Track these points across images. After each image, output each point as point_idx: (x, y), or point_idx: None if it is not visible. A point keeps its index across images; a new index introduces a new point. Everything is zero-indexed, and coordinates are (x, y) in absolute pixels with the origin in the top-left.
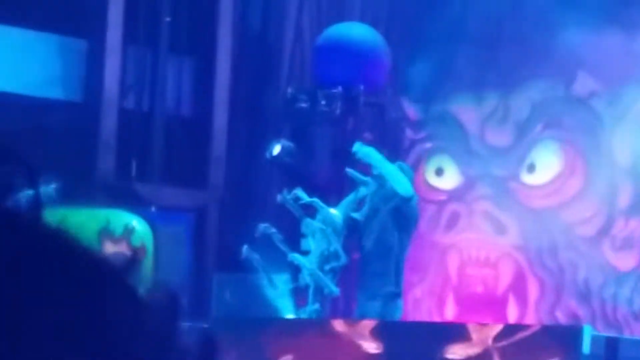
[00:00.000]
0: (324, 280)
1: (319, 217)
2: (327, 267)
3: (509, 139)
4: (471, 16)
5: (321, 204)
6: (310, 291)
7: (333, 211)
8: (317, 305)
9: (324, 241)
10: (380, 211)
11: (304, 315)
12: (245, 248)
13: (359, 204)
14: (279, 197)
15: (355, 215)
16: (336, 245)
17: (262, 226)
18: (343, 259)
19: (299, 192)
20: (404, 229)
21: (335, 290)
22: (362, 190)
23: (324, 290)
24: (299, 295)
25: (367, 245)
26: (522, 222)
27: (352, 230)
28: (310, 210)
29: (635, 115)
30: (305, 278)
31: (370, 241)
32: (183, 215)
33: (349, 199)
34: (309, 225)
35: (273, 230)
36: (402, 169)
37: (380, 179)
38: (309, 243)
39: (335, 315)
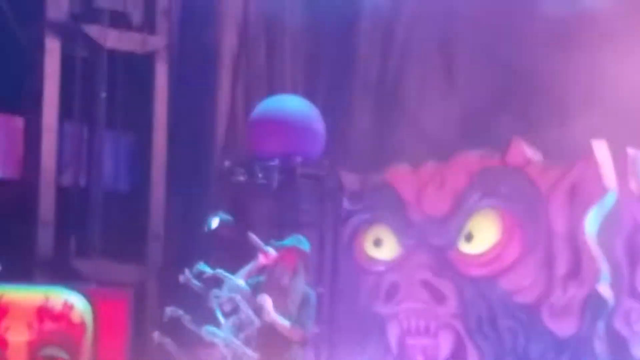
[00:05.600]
0: (241, 348)
1: (225, 287)
2: (241, 335)
3: (446, 208)
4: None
5: (224, 273)
6: None
7: (239, 281)
8: None
9: (233, 310)
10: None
11: None
12: (156, 334)
13: (259, 272)
14: (181, 278)
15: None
16: (247, 311)
17: (169, 309)
18: (256, 322)
19: (201, 266)
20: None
21: (254, 355)
22: (260, 258)
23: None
24: None
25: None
26: (461, 291)
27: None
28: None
29: (570, 181)
30: (222, 350)
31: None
32: (122, 290)
33: (247, 267)
34: (217, 296)
35: (180, 312)
36: (300, 242)
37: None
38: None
39: None
